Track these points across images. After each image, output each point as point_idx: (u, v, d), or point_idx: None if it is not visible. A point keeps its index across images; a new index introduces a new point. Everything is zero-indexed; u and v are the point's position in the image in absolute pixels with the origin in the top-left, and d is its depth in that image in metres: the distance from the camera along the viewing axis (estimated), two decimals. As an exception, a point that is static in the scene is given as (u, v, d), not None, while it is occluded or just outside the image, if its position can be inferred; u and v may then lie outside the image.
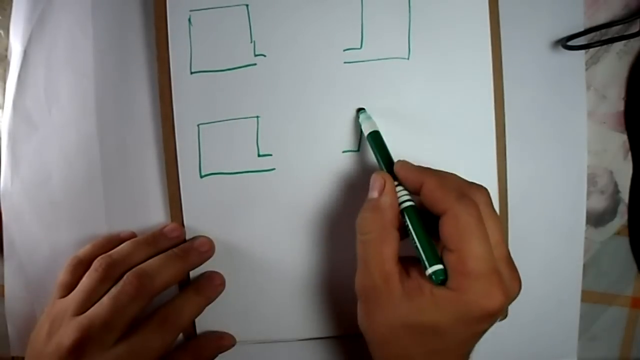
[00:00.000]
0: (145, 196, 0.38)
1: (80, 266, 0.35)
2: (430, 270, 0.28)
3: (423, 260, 0.28)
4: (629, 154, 0.39)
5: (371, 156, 0.36)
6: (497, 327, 0.37)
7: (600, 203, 0.40)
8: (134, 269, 0.33)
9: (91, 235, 0.38)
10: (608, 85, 0.39)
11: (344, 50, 0.36)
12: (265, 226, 0.36)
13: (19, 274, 0.39)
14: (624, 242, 0.40)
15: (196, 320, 0.37)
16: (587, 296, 0.40)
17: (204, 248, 0.36)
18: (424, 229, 0.29)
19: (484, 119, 0.36)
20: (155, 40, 0.36)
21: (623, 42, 0.38)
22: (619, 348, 0.41)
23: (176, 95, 0.35)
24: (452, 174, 0.31)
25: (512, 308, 0.37)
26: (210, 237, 0.36)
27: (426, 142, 0.36)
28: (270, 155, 0.36)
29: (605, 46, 0.38)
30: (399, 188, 0.31)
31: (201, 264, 0.36)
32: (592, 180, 0.39)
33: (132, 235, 0.37)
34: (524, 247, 0.38)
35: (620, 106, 0.39)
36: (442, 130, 0.36)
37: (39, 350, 0.33)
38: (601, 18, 0.38)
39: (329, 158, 0.36)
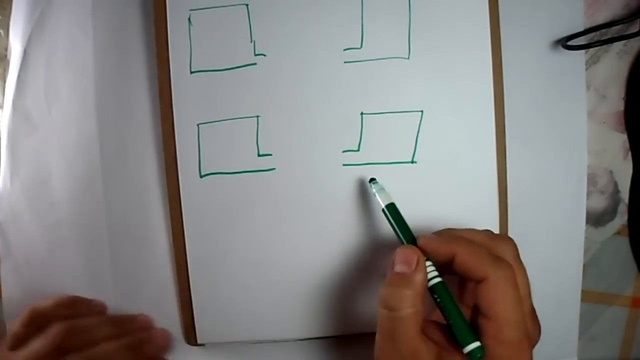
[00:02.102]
0: (145, 196, 0.38)
1: (37, 319, 0.34)
2: (468, 349, 0.28)
3: (460, 338, 0.28)
4: (629, 154, 0.39)
5: (371, 156, 0.36)
6: (497, 327, 0.38)
7: (600, 203, 0.40)
8: (83, 355, 0.33)
9: (91, 235, 0.38)
10: (608, 85, 0.39)
11: (344, 50, 0.36)
12: (265, 226, 0.36)
13: (15, 275, 0.39)
14: (624, 242, 0.40)
15: (197, 322, 0.37)
16: (587, 296, 0.40)
17: (162, 344, 0.37)
18: (456, 305, 0.29)
19: (484, 119, 0.36)
20: (155, 40, 0.36)
21: (623, 42, 0.38)
22: (619, 348, 0.41)
23: (176, 95, 0.36)
24: (479, 233, 0.31)
25: (512, 308, 0.37)
26: (210, 237, 0.36)
27: (426, 142, 0.36)
28: (270, 155, 0.36)
29: (605, 46, 0.38)
30: (427, 262, 0.30)
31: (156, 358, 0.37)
32: (592, 180, 0.39)
33: (102, 308, 0.37)
34: (524, 247, 0.38)
35: (620, 106, 0.39)
36: (442, 130, 0.36)
37: None
38: (601, 18, 0.38)
39: (329, 158, 0.36)
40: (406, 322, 0.28)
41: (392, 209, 0.32)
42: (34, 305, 0.35)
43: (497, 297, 0.27)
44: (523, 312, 0.28)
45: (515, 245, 0.30)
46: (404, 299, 0.28)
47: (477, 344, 0.28)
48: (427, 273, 0.29)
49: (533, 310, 0.31)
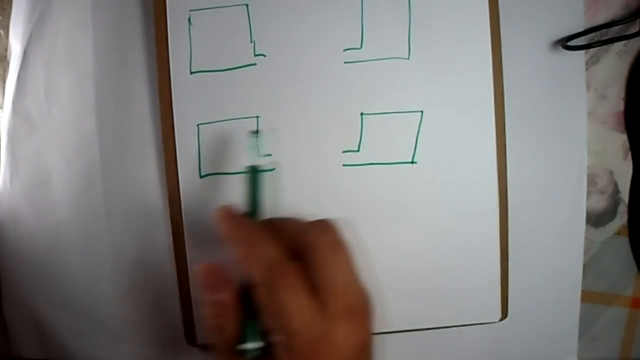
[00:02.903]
0: (145, 196, 0.38)
1: None
2: (239, 347, 0.27)
3: (242, 335, 0.27)
4: (629, 154, 0.39)
5: (371, 156, 0.36)
6: (497, 327, 0.38)
7: (600, 203, 0.40)
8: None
9: (91, 235, 0.38)
10: (608, 85, 0.39)
11: (344, 50, 0.36)
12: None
13: (15, 274, 0.39)
14: (624, 242, 0.40)
15: (197, 322, 0.37)
16: (587, 296, 0.40)
17: None
18: (254, 306, 0.27)
19: (484, 119, 0.36)
20: (155, 40, 0.36)
21: (623, 42, 0.38)
22: (619, 348, 0.41)
23: (176, 95, 0.35)
24: (286, 222, 0.29)
25: (512, 308, 0.38)
26: (210, 237, 0.36)
27: (426, 142, 0.36)
28: (270, 155, 0.36)
29: (605, 46, 0.38)
30: None
31: None
32: (592, 180, 0.39)
33: None
34: (524, 247, 0.38)
35: (620, 106, 0.39)
36: (442, 130, 0.36)
37: None
38: (601, 18, 0.38)
39: (329, 158, 0.36)
40: (230, 342, 0.27)
41: (254, 173, 0.31)
42: None
43: (272, 303, 0.25)
44: (311, 316, 0.25)
45: (330, 233, 0.27)
46: (221, 324, 0.27)
47: (250, 345, 0.27)
48: (231, 283, 0.27)
49: (351, 308, 0.26)
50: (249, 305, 0.27)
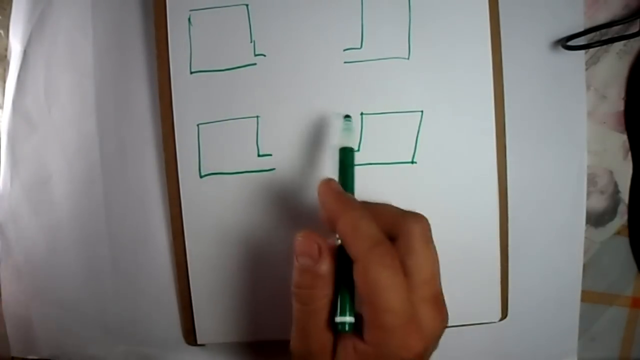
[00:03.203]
0: (145, 196, 0.38)
1: None
2: (339, 320, 0.27)
3: (338, 309, 0.27)
4: (629, 154, 0.39)
5: (371, 156, 0.36)
6: (497, 327, 0.38)
7: (600, 203, 0.40)
8: None
9: (91, 235, 0.38)
10: (608, 85, 0.39)
11: (344, 50, 0.36)
12: (265, 226, 0.36)
13: (15, 275, 0.39)
14: (624, 242, 0.40)
15: (196, 322, 0.37)
16: (587, 296, 0.40)
17: None
18: (348, 279, 0.27)
19: (484, 119, 0.36)
20: (155, 40, 0.36)
21: (623, 42, 0.38)
22: (619, 348, 0.41)
23: (176, 95, 0.35)
24: (381, 206, 0.29)
25: (512, 308, 0.38)
26: (210, 237, 0.36)
27: (426, 142, 0.36)
28: (270, 155, 0.36)
29: (605, 46, 0.38)
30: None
31: None
32: (592, 180, 0.39)
33: None
34: (524, 247, 0.38)
35: (620, 106, 0.39)
36: (442, 130, 0.36)
37: None
38: (601, 18, 0.38)
39: (329, 158, 0.36)
40: (316, 314, 0.28)
41: (349, 153, 0.31)
42: None
43: (367, 283, 0.26)
44: (404, 298, 0.26)
45: (424, 225, 0.28)
46: (312, 293, 0.28)
47: (348, 318, 0.27)
48: (332, 255, 0.28)
49: (436, 296, 0.28)
50: (343, 280, 0.27)
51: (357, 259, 0.26)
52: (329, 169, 0.36)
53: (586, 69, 0.38)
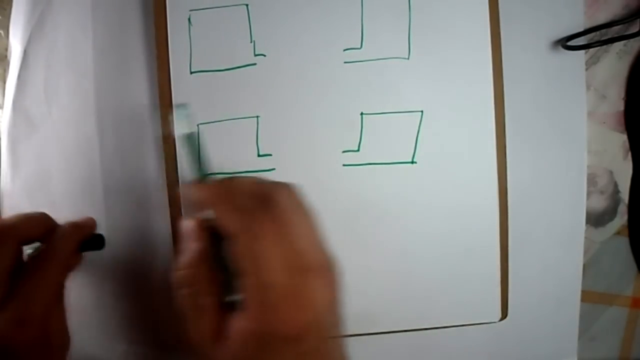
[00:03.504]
0: (145, 196, 0.38)
1: None
2: (227, 299, 0.27)
3: (225, 289, 0.27)
4: (629, 154, 0.39)
5: (371, 156, 0.36)
6: (497, 327, 0.38)
7: (600, 203, 0.40)
8: None
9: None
10: (608, 85, 0.39)
11: (344, 50, 0.36)
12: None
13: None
14: (624, 242, 0.40)
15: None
16: (587, 296, 0.40)
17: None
18: (224, 260, 0.27)
19: (484, 119, 0.36)
20: (155, 40, 0.36)
21: (623, 42, 0.38)
22: (619, 348, 0.41)
23: (176, 95, 0.35)
24: (245, 180, 0.29)
25: (512, 308, 0.38)
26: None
27: (426, 142, 0.36)
28: (270, 155, 0.36)
29: (605, 46, 0.38)
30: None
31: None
32: (592, 180, 0.39)
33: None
34: (524, 247, 0.38)
35: (620, 106, 0.39)
36: (442, 130, 0.36)
37: None
38: (601, 18, 0.38)
39: (329, 158, 0.36)
40: (204, 296, 0.27)
41: (192, 138, 0.32)
42: None
43: (242, 259, 0.26)
44: (284, 269, 0.25)
45: (291, 192, 0.28)
46: (189, 277, 0.28)
47: (236, 297, 0.26)
48: (205, 238, 0.28)
49: (321, 264, 0.27)
50: (225, 260, 0.27)
51: (232, 235, 0.26)
52: (329, 168, 0.36)
53: (586, 69, 0.38)
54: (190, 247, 0.28)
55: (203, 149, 0.33)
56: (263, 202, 0.27)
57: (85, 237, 0.34)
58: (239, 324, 0.26)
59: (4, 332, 0.29)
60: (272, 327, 0.25)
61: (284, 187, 0.28)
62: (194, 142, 0.32)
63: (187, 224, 0.29)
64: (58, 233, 0.33)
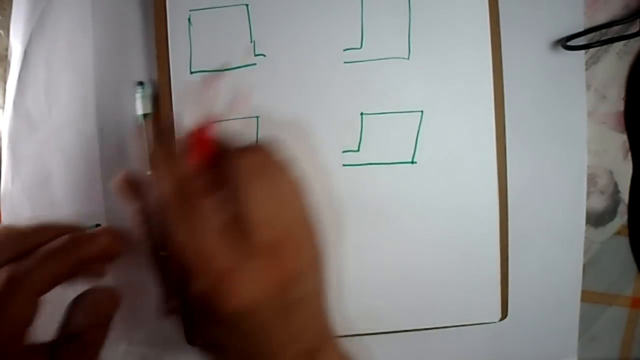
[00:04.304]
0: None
1: None
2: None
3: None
4: (629, 154, 0.39)
5: (371, 156, 0.36)
6: (497, 327, 0.38)
7: (600, 203, 0.40)
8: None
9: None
10: (608, 85, 0.39)
11: (344, 50, 0.36)
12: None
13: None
14: (624, 242, 0.40)
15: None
16: (587, 296, 0.40)
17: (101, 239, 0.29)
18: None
19: (484, 119, 0.36)
20: (155, 40, 0.36)
21: (623, 42, 0.38)
22: (619, 348, 0.41)
23: (176, 95, 0.36)
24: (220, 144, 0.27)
25: (512, 308, 0.38)
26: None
27: (426, 142, 0.36)
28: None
29: (605, 46, 0.38)
30: None
31: (99, 258, 0.30)
32: (592, 180, 0.39)
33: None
34: (524, 247, 0.38)
35: (620, 106, 0.39)
36: (442, 130, 0.36)
37: None
38: (601, 18, 0.38)
39: (329, 158, 0.36)
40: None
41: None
42: None
43: (171, 233, 0.24)
44: (218, 247, 0.23)
45: (255, 157, 0.25)
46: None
47: None
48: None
49: (273, 243, 0.24)
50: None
51: (167, 201, 0.24)
52: (329, 168, 0.36)
53: (586, 69, 0.38)
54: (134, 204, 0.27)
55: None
56: (223, 172, 0.24)
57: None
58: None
59: None
60: (209, 307, 0.23)
61: (245, 151, 0.25)
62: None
63: (126, 179, 0.28)
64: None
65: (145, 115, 0.36)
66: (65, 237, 0.28)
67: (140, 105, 0.36)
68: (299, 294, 0.25)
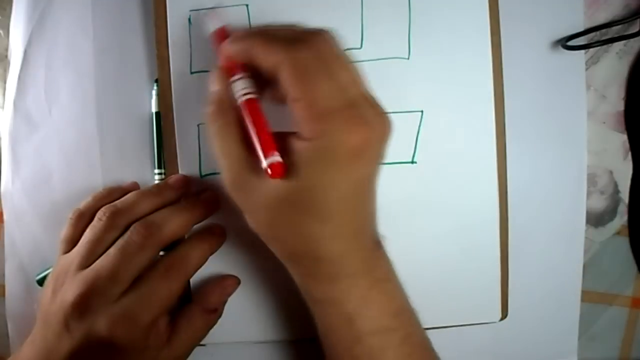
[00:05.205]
0: (145, 196, 0.37)
1: (83, 219, 0.34)
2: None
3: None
4: (629, 154, 0.39)
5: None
6: (497, 327, 0.38)
7: (600, 203, 0.40)
8: (141, 220, 0.32)
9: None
10: (608, 85, 0.39)
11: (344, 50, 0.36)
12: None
13: (19, 273, 0.39)
14: (624, 242, 0.40)
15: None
16: (587, 296, 0.40)
17: (210, 201, 0.35)
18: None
19: (484, 119, 0.36)
20: (155, 40, 0.36)
21: (623, 42, 0.38)
22: (619, 348, 0.41)
23: (176, 95, 0.36)
24: (283, 28, 0.30)
25: (512, 308, 0.38)
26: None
27: (426, 142, 0.36)
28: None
29: (605, 46, 0.38)
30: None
31: (207, 217, 0.35)
32: (592, 180, 0.39)
33: (135, 187, 0.36)
34: (524, 247, 0.38)
35: (620, 106, 0.39)
36: (442, 130, 0.36)
37: (45, 310, 0.32)
38: (601, 18, 0.38)
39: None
40: (225, 129, 0.29)
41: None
42: (76, 207, 0.34)
43: (295, 75, 0.26)
44: (340, 84, 0.26)
45: (329, 37, 0.28)
46: (213, 114, 0.29)
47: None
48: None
49: (368, 96, 0.28)
50: None
51: (278, 62, 0.26)
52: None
53: (586, 69, 0.38)
54: (213, 89, 0.30)
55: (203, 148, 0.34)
56: (304, 39, 0.27)
57: (214, 252, 0.35)
58: (293, 144, 0.27)
59: (108, 325, 0.30)
60: (330, 139, 0.26)
61: (324, 32, 0.28)
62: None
63: (211, 74, 0.30)
64: (192, 243, 0.34)
65: (157, 114, 0.36)
66: (187, 200, 0.35)
67: (155, 103, 0.36)
68: (377, 164, 0.28)
